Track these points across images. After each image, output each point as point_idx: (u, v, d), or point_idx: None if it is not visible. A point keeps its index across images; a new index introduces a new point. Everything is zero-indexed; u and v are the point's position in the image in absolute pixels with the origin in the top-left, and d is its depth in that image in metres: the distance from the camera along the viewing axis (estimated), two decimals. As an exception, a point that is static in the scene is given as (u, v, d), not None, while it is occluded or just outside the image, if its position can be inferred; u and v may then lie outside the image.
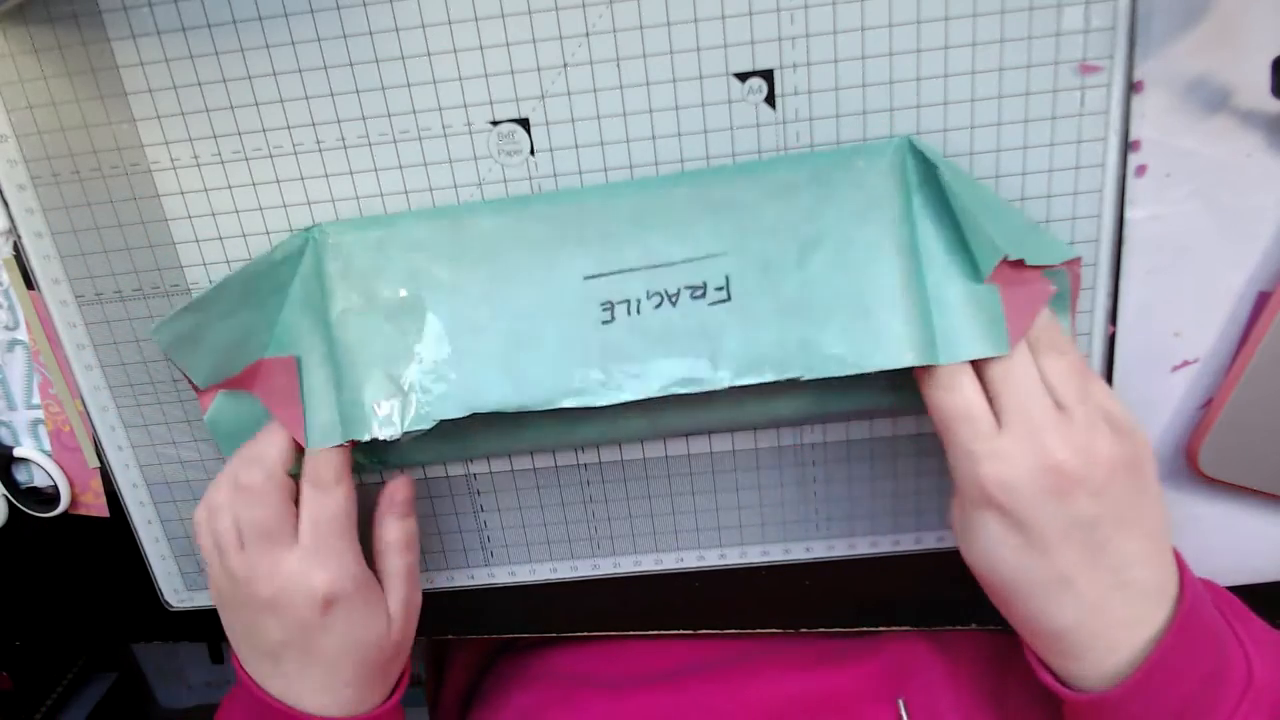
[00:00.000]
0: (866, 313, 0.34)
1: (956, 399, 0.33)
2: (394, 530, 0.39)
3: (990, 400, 0.33)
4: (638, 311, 0.36)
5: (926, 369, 0.34)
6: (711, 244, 0.35)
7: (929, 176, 0.34)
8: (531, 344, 0.36)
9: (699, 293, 0.36)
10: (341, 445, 0.36)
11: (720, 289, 0.35)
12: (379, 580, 0.38)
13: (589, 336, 0.36)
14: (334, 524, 0.36)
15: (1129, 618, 0.32)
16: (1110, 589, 0.32)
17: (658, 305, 0.36)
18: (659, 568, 0.44)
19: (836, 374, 0.35)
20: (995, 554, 0.33)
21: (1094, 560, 0.32)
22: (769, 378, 0.35)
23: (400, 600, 0.39)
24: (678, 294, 0.36)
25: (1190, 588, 0.33)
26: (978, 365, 0.33)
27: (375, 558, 0.39)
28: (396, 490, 0.39)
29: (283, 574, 0.35)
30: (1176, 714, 0.32)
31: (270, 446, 0.36)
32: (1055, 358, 0.33)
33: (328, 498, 0.36)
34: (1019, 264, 0.33)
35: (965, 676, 0.42)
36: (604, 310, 0.36)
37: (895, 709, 0.40)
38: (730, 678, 0.44)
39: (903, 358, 0.34)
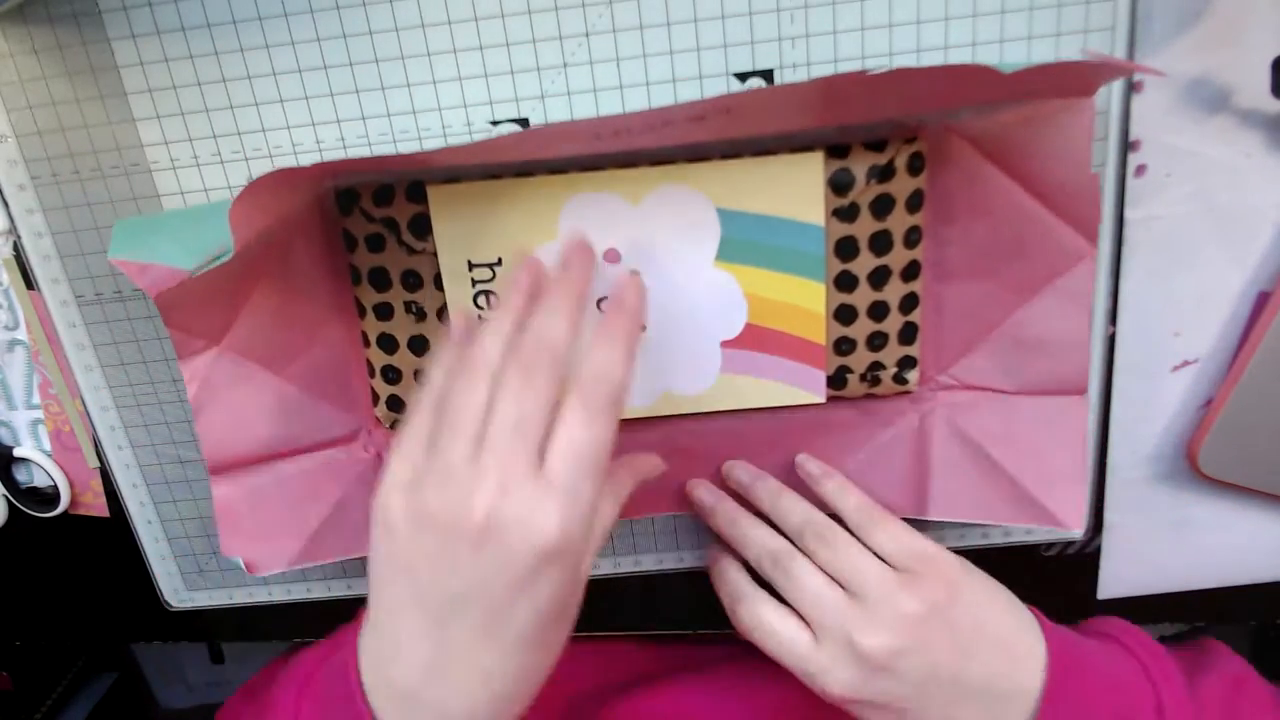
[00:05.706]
0: None
1: (765, 630, 0.35)
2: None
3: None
4: None
5: (730, 606, 0.37)
6: None
7: None
8: None
9: None
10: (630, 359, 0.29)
11: None
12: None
13: None
14: (593, 462, 0.28)
15: (1005, 693, 0.34)
16: (973, 701, 0.34)
17: None
18: (659, 568, 0.44)
19: None
20: None
21: (951, 697, 0.33)
22: None
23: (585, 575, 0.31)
24: None
25: (1055, 641, 0.34)
26: (761, 576, 0.37)
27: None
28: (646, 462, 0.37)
29: (514, 499, 0.27)
30: None
31: (564, 322, 0.29)
32: (821, 547, 0.35)
33: (596, 426, 0.28)
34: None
35: None
36: None
37: None
38: (724, 683, 0.43)
39: None
